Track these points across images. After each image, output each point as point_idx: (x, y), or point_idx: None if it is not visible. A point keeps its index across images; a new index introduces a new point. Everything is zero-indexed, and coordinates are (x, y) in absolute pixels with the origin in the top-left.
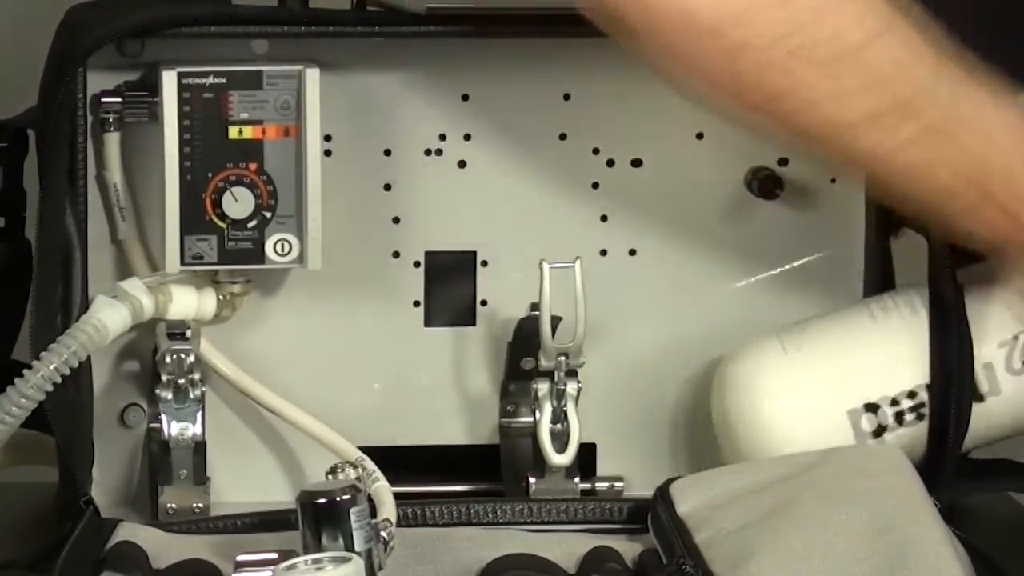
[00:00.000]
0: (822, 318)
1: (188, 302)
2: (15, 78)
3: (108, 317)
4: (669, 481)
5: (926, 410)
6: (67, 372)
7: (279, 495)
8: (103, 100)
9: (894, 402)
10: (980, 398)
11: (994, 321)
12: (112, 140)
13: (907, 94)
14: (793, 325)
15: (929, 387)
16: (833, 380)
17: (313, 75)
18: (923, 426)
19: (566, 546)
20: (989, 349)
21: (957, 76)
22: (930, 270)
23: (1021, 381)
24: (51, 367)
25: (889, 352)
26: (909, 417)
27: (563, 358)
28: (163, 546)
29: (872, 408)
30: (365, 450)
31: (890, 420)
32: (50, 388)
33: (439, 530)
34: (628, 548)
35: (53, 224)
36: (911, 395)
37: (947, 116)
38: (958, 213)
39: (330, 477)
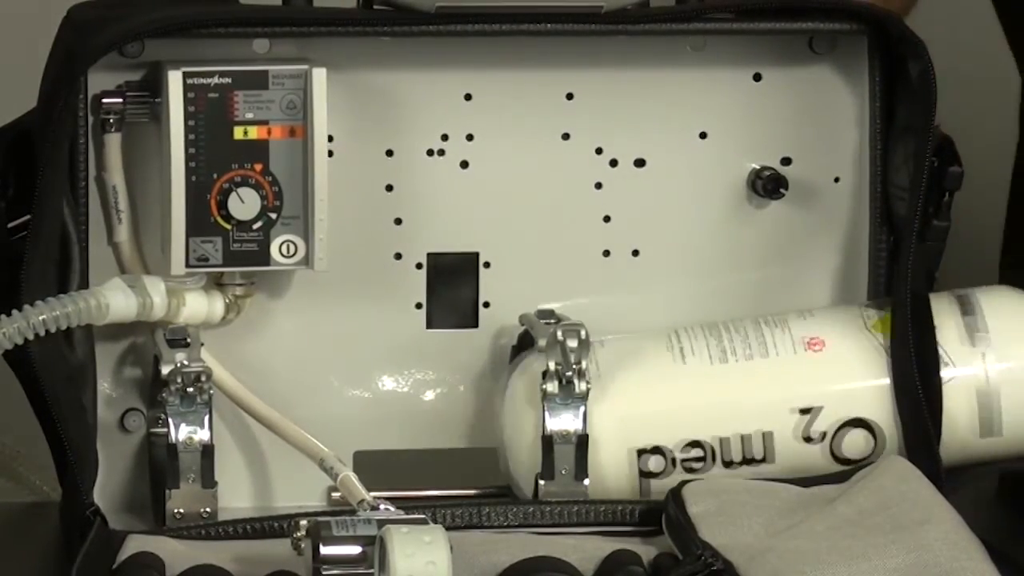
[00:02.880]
0: (627, 343)
1: (200, 308)
2: (14, 78)
3: (114, 298)
4: (682, 484)
5: (703, 464)
6: (52, 329)
7: (284, 499)
8: (104, 101)
9: (683, 449)
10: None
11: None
12: (113, 141)
13: None
14: (601, 344)
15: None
16: (627, 418)
17: (320, 75)
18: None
19: (582, 549)
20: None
21: None
22: (905, 273)
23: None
24: (39, 317)
25: (688, 399)
26: (697, 466)
27: (571, 355)
28: (174, 553)
29: (658, 451)
30: (366, 453)
31: (672, 465)
32: (30, 337)
33: (449, 534)
34: (642, 550)
35: (51, 226)
36: (697, 445)
37: None
38: None
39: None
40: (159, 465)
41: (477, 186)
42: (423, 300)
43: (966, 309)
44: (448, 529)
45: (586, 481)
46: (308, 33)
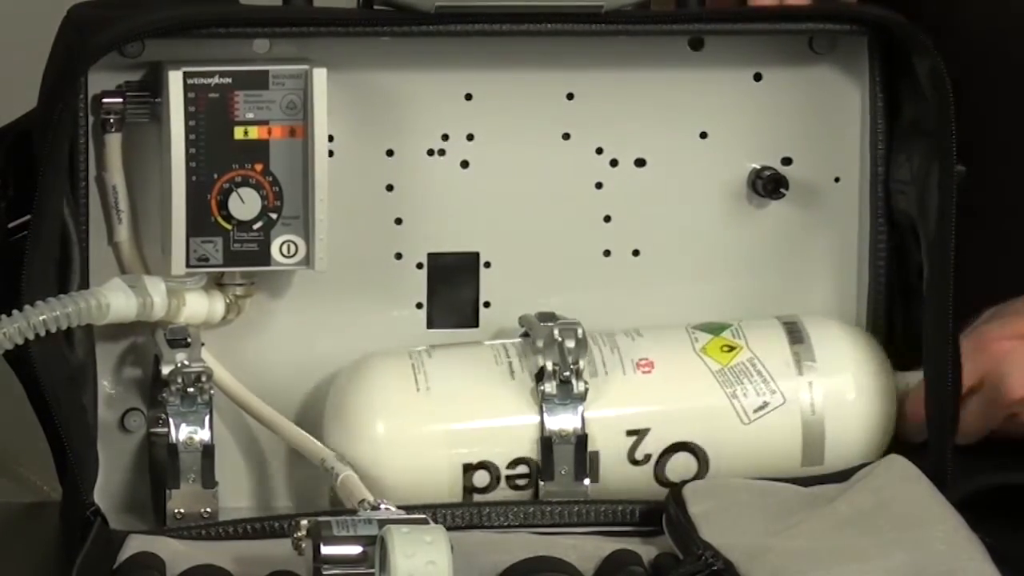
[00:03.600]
0: (459, 353)
1: (200, 308)
2: (14, 79)
3: (114, 298)
4: (682, 483)
5: (528, 481)
6: (52, 329)
7: (284, 499)
8: (104, 101)
9: (509, 466)
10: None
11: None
12: (113, 141)
13: None
14: (429, 355)
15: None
16: (456, 432)
17: (320, 75)
18: (527, 492)
19: (581, 549)
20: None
21: None
22: (930, 280)
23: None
24: (39, 317)
25: (513, 417)
26: (521, 483)
27: (568, 356)
28: (175, 553)
29: (484, 467)
30: None
31: (496, 481)
32: (30, 337)
33: (450, 534)
34: (642, 550)
35: (51, 226)
36: (523, 462)
37: None
38: None
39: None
40: (159, 465)
41: (477, 186)
42: (423, 300)
43: (795, 337)
44: (448, 529)
45: (586, 481)
46: (308, 33)
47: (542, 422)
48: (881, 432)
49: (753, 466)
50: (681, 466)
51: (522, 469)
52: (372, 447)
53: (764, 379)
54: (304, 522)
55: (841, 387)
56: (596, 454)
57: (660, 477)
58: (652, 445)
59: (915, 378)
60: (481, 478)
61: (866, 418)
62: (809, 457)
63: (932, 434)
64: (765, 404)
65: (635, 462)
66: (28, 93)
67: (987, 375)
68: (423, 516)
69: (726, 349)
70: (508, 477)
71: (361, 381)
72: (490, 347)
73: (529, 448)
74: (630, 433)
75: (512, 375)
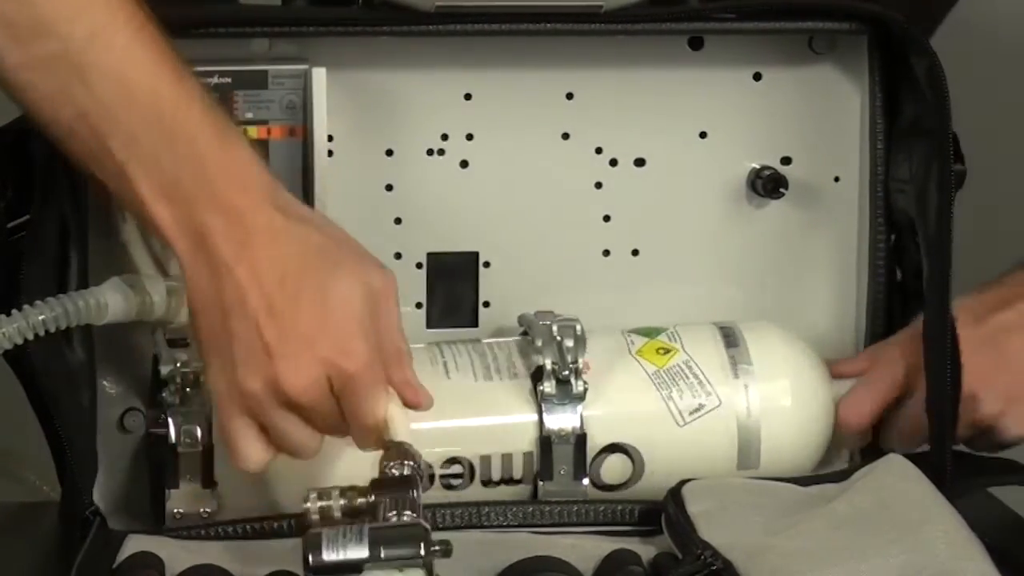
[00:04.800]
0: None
1: None
2: None
3: (113, 298)
4: (681, 483)
5: (461, 481)
6: (51, 329)
7: (282, 499)
8: None
9: (443, 465)
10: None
11: None
12: None
13: (47, 13)
14: None
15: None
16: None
17: (319, 75)
18: (466, 492)
19: (580, 549)
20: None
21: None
22: (930, 280)
23: None
24: (39, 317)
25: (450, 416)
26: (455, 483)
27: (567, 354)
28: (173, 553)
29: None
30: None
31: (430, 481)
32: (30, 337)
33: (448, 534)
34: (642, 550)
35: (51, 225)
36: (457, 462)
37: (82, 52)
38: (84, 157)
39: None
40: (159, 465)
41: (477, 186)
42: (423, 300)
43: (730, 341)
44: (448, 529)
45: (585, 480)
46: (308, 33)
47: (541, 421)
48: (817, 437)
49: (688, 468)
50: (615, 467)
51: (456, 469)
52: None
53: (700, 381)
54: (313, 495)
55: (777, 392)
56: (529, 455)
57: (594, 479)
58: (586, 446)
59: (846, 386)
60: None
61: (802, 423)
62: (745, 460)
63: (932, 434)
64: (700, 406)
65: None
66: None
67: None
68: (417, 522)
69: (661, 352)
70: (442, 476)
71: None
72: (426, 349)
73: (463, 448)
74: None
75: (447, 375)
